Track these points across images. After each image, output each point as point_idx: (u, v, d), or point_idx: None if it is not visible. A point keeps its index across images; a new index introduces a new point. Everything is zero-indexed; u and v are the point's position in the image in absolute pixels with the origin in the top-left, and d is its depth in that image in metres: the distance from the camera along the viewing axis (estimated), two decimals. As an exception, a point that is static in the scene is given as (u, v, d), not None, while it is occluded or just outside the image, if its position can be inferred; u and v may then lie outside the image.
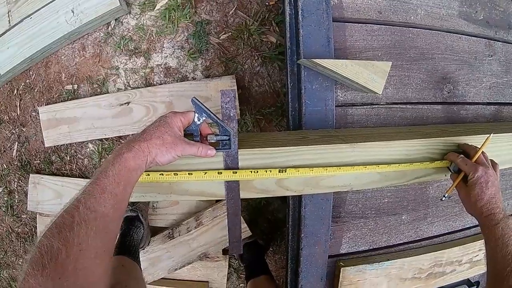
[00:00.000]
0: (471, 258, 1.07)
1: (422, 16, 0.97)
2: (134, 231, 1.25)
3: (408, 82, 0.96)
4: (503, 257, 0.66)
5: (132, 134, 1.40)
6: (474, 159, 0.76)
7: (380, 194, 0.97)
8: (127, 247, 1.18)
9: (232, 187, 0.71)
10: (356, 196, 0.95)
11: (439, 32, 1.00)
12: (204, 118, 0.64)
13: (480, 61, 1.05)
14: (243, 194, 0.73)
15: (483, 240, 1.06)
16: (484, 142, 0.78)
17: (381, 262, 0.95)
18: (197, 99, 0.64)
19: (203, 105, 0.64)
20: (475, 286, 1.11)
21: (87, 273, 0.43)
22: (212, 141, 0.67)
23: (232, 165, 0.69)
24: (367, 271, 0.94)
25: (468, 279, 1.11)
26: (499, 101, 1.09)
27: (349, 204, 0.95)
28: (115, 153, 0.55)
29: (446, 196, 0.81)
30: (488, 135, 0.78)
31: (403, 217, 1.01)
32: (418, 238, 1.05)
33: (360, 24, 0.90)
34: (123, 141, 1.46)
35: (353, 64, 0.76)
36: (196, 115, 0.64)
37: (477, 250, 1.07)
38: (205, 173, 0.69)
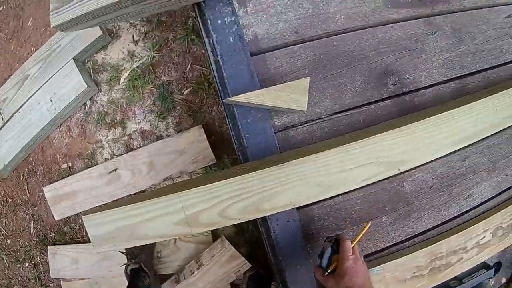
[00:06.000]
0: (478, 242, 1.01)
1: (342, 21, 0.97)
2: (139, 280, 1.31)
3: (345, 88, 0.95)
4: None
5: (126, 196, 1.50)
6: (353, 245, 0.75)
7: (349, 203, 0.96)
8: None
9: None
10: (323, 211, 0.94)
11: (366, 29, 0.98)
12: None
13: (423, 42, 1.02)
14: (193, 230, 0.74)
15: (485, 220, 1.01)
16: (362, 231, 0.78)
17: (371, 268, 0.93)
18: None
19: None
20: (494, 268, 1.04)
21: None
22: None
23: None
24: (360, 280, 0.91)
25: (484, 262, 1.04)
26: (459, 74, 1.04)
27: (319, 220, 0.94)
28: None
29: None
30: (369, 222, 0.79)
31: (383, 220, 0.98)
32: (408, 236, 1.01)
33: (279, 50, 0.92)
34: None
35: (268, 91, 0.79)
36: None
37: (481, 232, 1.01)
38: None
